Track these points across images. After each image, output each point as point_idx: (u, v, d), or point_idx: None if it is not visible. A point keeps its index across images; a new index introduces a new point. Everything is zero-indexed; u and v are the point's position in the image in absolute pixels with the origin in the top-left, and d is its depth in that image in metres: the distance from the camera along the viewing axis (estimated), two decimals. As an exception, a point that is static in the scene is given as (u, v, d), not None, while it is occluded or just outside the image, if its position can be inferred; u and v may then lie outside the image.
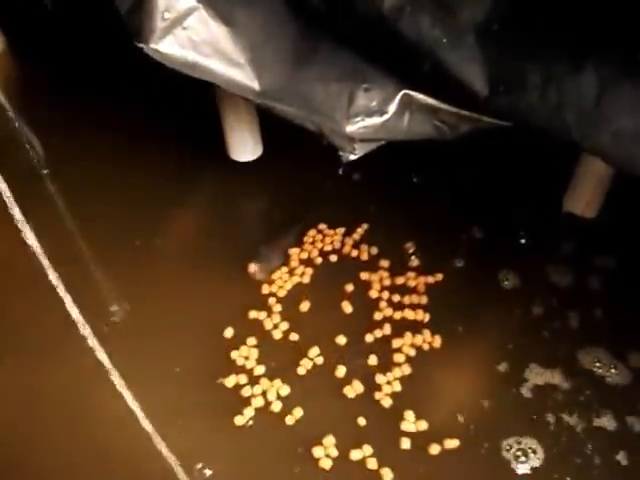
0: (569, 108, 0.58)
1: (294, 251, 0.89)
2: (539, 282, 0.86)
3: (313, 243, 0.90)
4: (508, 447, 0.70)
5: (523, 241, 0.90)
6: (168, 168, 1.02)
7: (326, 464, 0.68)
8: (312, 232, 0.91)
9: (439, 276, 0.85)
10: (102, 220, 0.95)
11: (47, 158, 1.02)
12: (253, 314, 0.82)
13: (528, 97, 0.60)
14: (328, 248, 0.90)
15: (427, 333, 0.79)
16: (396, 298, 0.83)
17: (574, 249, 0.90)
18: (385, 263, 0.87)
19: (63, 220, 0.96)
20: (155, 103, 1.11)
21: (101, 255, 0.91)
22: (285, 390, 0.75)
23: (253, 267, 0.85)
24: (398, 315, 0.81)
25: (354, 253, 0.89)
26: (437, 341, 0.79)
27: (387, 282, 0.85)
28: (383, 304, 0.83)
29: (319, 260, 0.88)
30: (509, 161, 1.00)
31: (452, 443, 0.69)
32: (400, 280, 0.85)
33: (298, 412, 0.73)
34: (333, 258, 0.89)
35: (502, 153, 0.99)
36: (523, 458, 0.69)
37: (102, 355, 0.74)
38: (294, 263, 0.88)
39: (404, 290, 0.84)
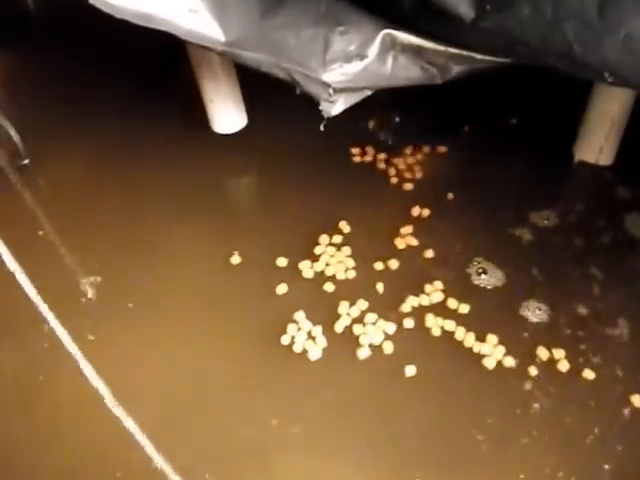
0: (568, 19, 0.50)
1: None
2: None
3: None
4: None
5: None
6: (152, 147, 0.96)
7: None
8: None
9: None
10: (84, 204, 0.90)
11: (27, 149, 0.97)
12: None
13: (519, 12, 0.51)
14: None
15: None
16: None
17: (591, 199, 0.83)
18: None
19: (44, 211, 0.91)
20: (134, 86, 1.06)
21: (83, 238, 0.85)
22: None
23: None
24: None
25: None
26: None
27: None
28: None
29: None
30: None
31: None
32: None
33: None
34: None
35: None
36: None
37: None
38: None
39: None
